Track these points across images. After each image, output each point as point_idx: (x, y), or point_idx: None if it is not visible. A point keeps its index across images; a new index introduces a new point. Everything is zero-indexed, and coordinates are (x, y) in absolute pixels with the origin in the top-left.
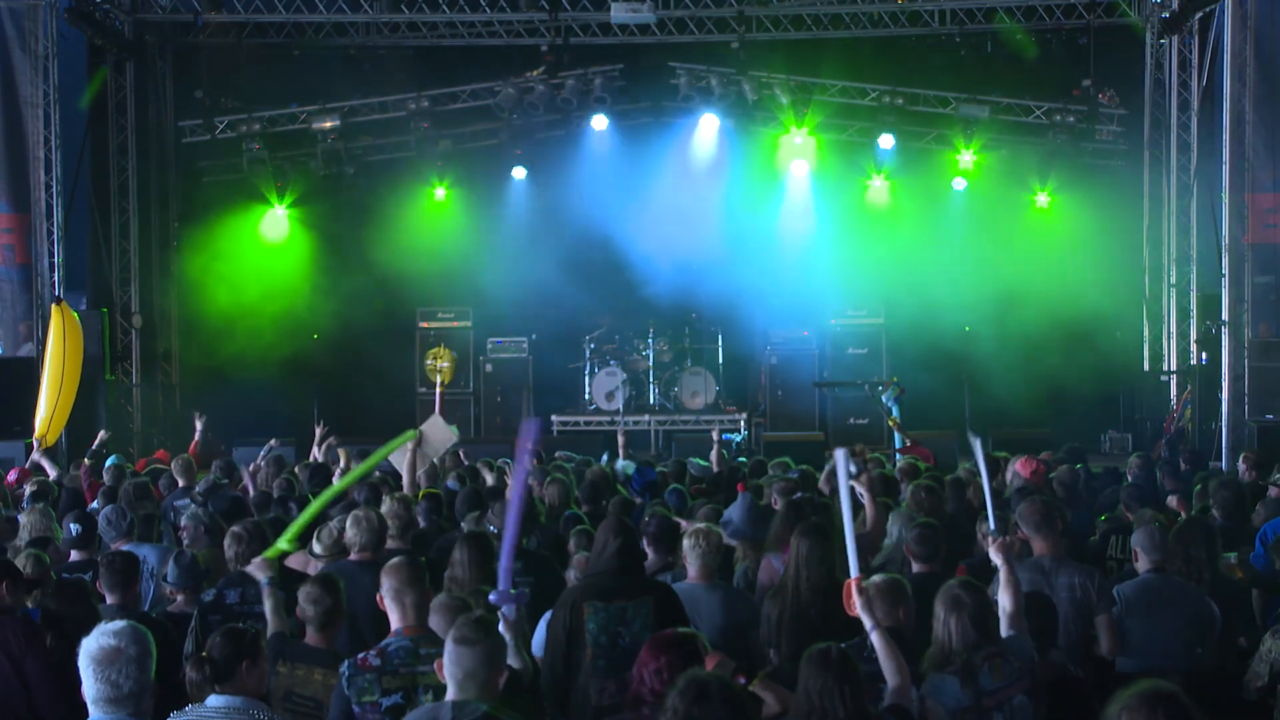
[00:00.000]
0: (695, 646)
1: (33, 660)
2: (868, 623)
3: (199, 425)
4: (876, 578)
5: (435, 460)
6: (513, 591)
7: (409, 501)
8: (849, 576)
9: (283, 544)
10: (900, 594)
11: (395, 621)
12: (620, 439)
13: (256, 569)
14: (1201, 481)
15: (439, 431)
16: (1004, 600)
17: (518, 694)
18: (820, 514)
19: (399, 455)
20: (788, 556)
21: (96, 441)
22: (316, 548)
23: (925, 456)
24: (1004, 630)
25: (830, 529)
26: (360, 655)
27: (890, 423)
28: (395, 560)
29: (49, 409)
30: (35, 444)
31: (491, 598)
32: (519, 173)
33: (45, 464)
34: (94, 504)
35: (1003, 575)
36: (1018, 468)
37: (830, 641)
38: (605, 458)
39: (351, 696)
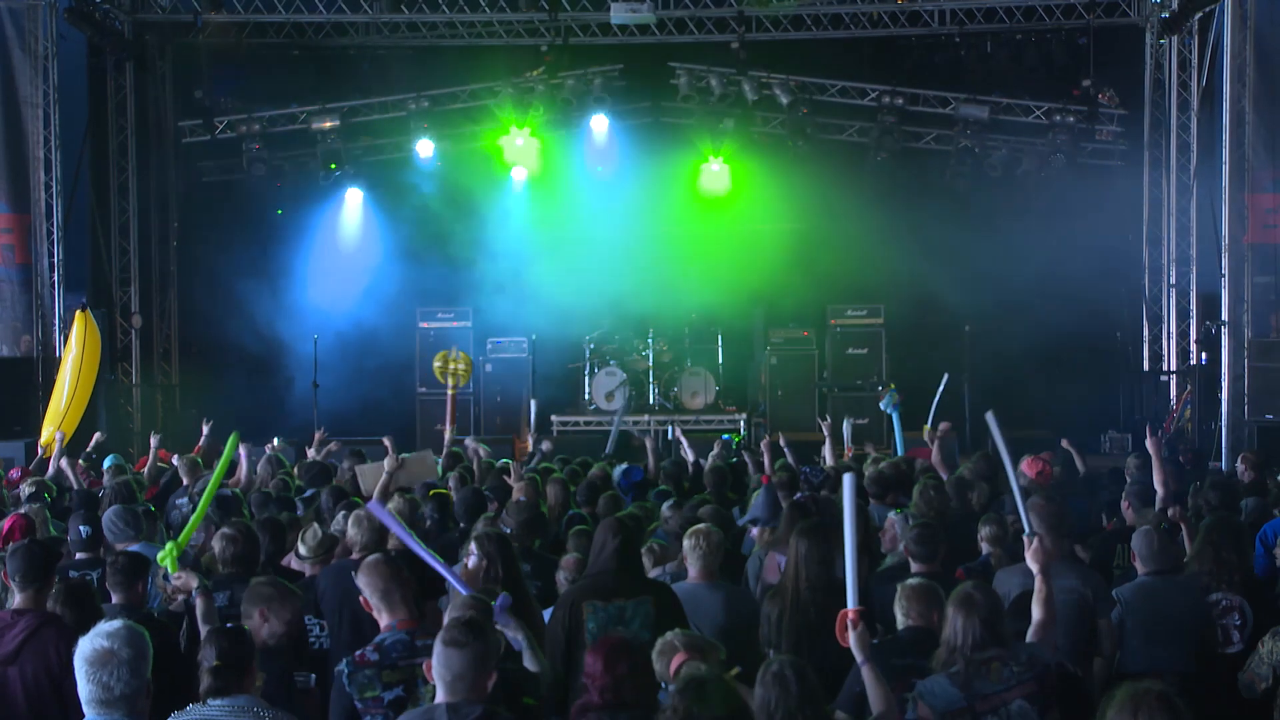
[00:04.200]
0: (640, 649)
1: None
2: (859, 656)
3: (206, 430)
4: (912, 580)
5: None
6: (493, 603)
7: (416, 503)
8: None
9: (172, 551)
10: (935, 597)
11: (386, 617)
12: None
13: (187, 579)
14: (1201, 483)
15: (423, 467)
16: (1035, 610)
17: (533, 696)
18: (824, 514)
19: (373, 478)
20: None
21: (91, 443)
22: (302, 549)
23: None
24: (1030, 638)
25: (830, 529)
26: (357, 652)
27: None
28: (372, 559)
29: (57, 419)
30: (40, 450)
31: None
32: (519, 173)
33: (66, 469)
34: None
35: (1037, 584)
36: (1023, 468)
37: (822, 645)
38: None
39: (353, 693)
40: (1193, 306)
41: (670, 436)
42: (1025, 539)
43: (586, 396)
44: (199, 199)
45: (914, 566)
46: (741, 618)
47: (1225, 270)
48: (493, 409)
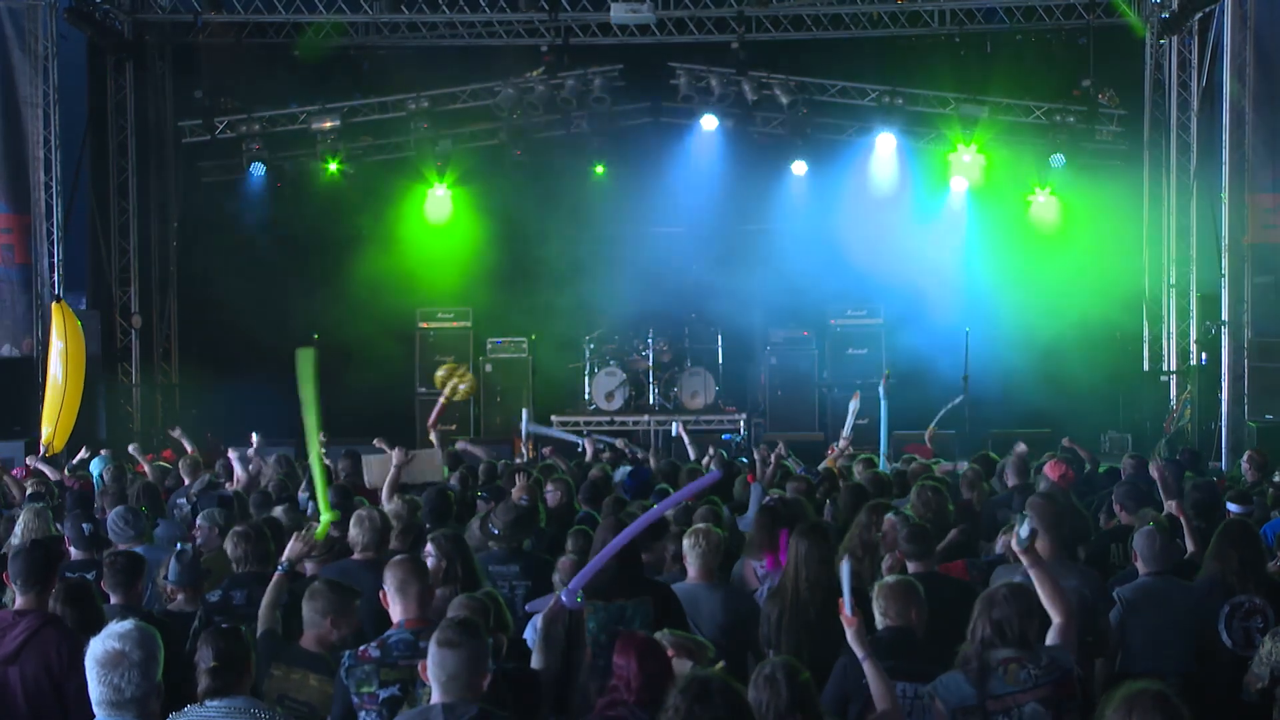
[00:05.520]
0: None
1: (76, 681)
2: (860, 652)
3: (178, 435)
4: (889, 578)
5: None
6: (579, 600)
7: (415, 505)
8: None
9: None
10: (912, 595)
11: (398, 614)
12: (681, 431)
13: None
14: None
15: (430, 465)
16: (1050, 611)
17: (534, 695)
18: (794, 515)
19: (379, 471)
20: (784, 558)
21: (77, 459)
22: None
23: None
24: (1050, 639)
25: (828, 529)
26: (361, 647)
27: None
28: (399, 557)
29: (54, 414)
30: (42, 449)
31: (562, 595)
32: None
33: (45, 470)
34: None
35: (1036, 582)
36: (1046, 470)
37: (824, 645)
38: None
39: (350, 687)
40: (1193, 306)
41: (674, 434)
42: (1015, 535)
43: (586, 396)
44: (199, 199)
45: (910, 566)
46: (741, 617)
47: (1225, 270)
48: (492, 409)
